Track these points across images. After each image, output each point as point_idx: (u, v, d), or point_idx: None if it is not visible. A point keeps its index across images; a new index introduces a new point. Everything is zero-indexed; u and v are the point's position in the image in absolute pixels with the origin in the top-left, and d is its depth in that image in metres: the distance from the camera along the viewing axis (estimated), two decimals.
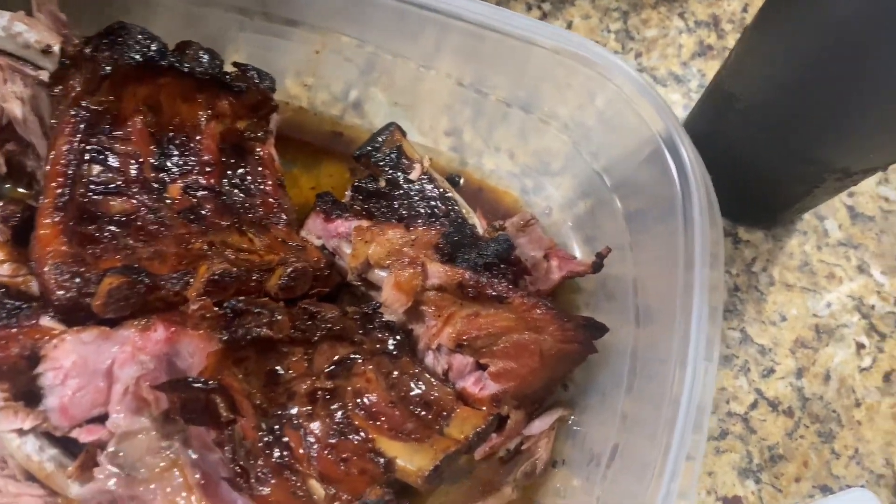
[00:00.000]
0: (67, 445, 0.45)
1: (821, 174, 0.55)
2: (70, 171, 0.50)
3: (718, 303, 0.50)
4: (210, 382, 0.45)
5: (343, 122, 0.66)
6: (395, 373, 0.53)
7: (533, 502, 0.56)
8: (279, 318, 0.48)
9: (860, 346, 0.64)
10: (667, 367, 0.50)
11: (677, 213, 0.53)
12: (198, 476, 0.45)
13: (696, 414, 0.47)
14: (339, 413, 0.50)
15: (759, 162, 0.57)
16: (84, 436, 0.44)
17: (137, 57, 0.51)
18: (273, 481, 0.45)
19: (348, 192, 0.60)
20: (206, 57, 0.55)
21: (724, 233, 0.66)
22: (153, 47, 0.52)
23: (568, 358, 0.55)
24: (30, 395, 0.44)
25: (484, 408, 0.54)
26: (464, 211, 0.59)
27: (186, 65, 0.54)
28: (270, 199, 0.59)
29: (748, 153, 0.57)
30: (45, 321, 0.45)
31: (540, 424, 0.57)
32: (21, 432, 0.44)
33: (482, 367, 0.55)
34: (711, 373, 0.48)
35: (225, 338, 0.46)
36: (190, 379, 0.45)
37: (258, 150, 0.59)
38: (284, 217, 0.58)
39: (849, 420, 0.62)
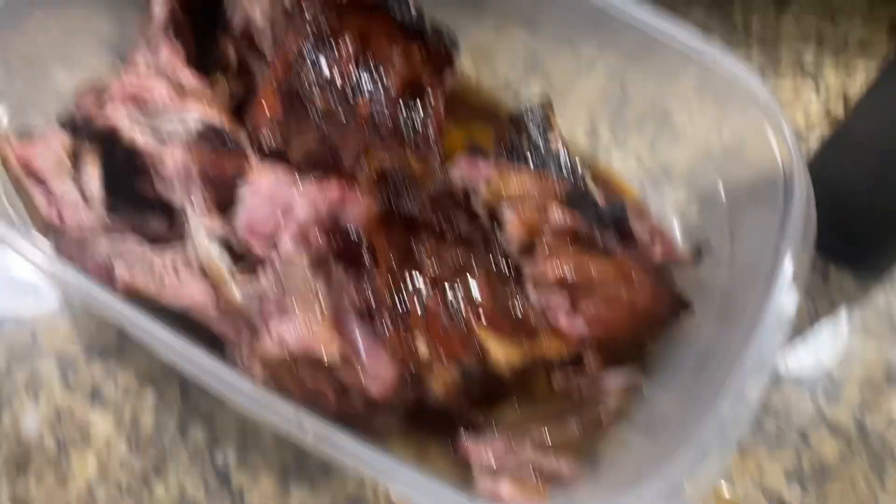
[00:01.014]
0: (241, 260, 0.56)
1: None
2: (292, 62, 0.62)
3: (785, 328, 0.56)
4: (363, 237, 0.55)
5: (499, 100, 0.77)
6: (504, 291, 0.62)
7: (595, 447, 0.62)
8: (428, 204, 0.58)
9: None
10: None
11: (769, 241, 0.59)
12: (331, 309, 0.54)
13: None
14: (454, 302, 0.58)
15: (870, 200, 0.64)
16: (258, 247, 0.54)
17: None
18: (392, 328, 0.54)
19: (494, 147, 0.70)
20: (415, 12, 0.68)
21: (815, 268, 0.73)
22: None
23: (654, 321, 0.62)
24: (225, 208, 0.55)
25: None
26: (591, 184, 0.68)
27: (399, 13, 0.67)
28: (431, 141, 0.70)
29: (861, 190, 0.64)
30: (251, 158, 0.57)
31: (616, 380, 0.64)
32: (213, 234, 0.55)
33: (576, 312, 0.63)
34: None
35: (383, 204, 0.56)
36: (349, 231, 0.55)
37: (431, 98, 0.70)
38: (439, 156, 0.69)
39: None
